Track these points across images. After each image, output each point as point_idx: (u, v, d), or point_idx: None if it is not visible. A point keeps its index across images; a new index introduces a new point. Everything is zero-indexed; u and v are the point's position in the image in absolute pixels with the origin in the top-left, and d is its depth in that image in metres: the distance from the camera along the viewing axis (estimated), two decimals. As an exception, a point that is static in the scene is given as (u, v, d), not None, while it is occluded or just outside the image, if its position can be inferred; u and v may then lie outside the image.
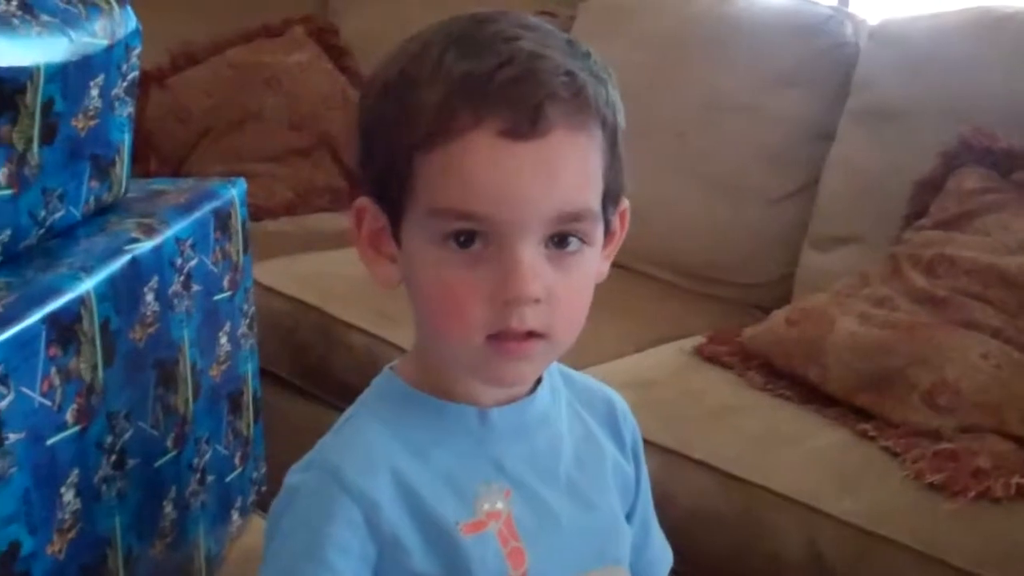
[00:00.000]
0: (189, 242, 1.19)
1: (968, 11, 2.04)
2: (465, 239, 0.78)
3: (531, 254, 0.78)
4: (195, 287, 1.20)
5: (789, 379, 1.71)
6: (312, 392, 2.13)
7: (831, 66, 2.16)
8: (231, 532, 1.36)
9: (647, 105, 2.17)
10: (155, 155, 2.67)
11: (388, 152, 0.81)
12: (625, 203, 0.88)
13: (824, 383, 1.66)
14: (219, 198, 1.27)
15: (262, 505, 1.46)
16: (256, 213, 2.47)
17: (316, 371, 2.11)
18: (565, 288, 0.80)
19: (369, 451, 0.83)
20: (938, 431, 1.52)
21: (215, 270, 1.25)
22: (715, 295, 2.20)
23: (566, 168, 0.78)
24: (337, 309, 2.08)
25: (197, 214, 1.21)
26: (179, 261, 1.17)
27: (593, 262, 0.83)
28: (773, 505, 1.48)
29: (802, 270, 2.15)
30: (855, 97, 2.12)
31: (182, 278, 1.18)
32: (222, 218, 1.26)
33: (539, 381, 0.89)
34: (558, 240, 0.80)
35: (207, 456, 1.25)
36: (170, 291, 1.16)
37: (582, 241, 0.81)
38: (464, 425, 0.86)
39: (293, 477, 0.84)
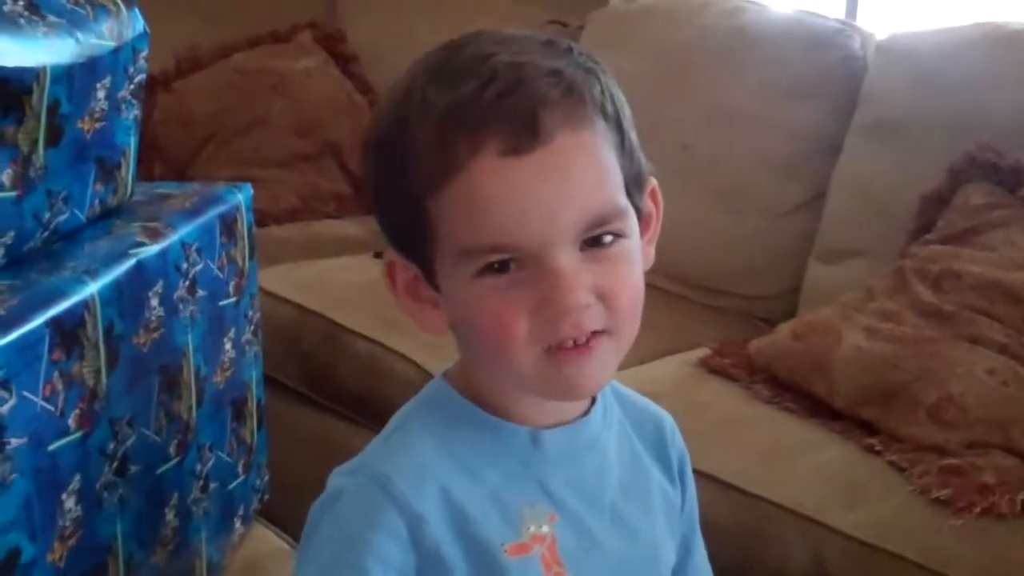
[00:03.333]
0: (195, 247, 1.18)
1: (977, 27, 2.03)
2: (500, 266, 0.76)
3: (568, 262, 0.76)
4: (200, 292, 1.19)
5: (795, 392, 1.69)
6: (316, 399, 2.12)
7: (839, 79, 2.15)
8: (233, 540, 1.35)
9: (654, 115, 2.09)
10: (160, 160, 2.67)
11: (400, 204, 0.79)
12: (653, 182, 0.85)
13: (830, 397, 1.64)
14: (226, 203, 1.26)
15: (265, 513, 1.45)
16: (261, 219, 2.46)
17: (320, 378, 2.10)
18: (613, 281, 0.77)
19: (420, 463, 0.81)
20: (943, 446, 1.50)
21: (221, 275, 1.24)
22: (720, 307, 2.19)
23: (578, 170, 0.76)
24: (342, 316, 2.07)
25: (203, 219, 1.20)
26: (184, 266, 1.16)
27: (635, 250, 0.80)
28: (779, 518, 1.46)
29: (808, 283, 2.14)
30: (863, 111, 2.11)
31: (187, 283, 1.17)
32: (228, 223, 1.26)
33: (592, 402, 0.87)
34: (592, 240, 0.77)
35: (210, 463, 1.24)
36: (175, 296, 1.15)
37: (617, 235, 0.78)
38: (516, 445, 0.84)
39: (337, 479, 0.82)
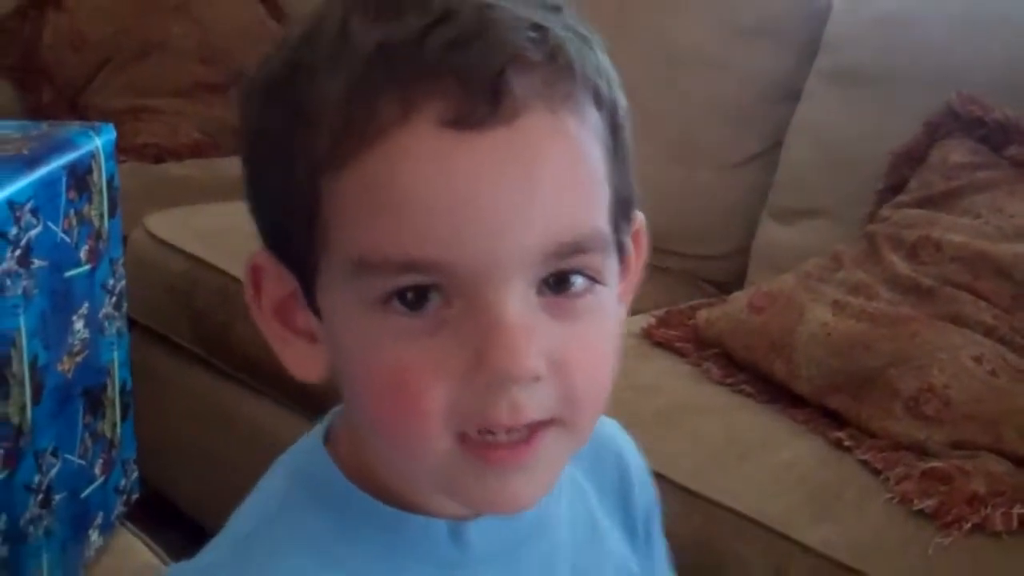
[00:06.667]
0: (29, 206, 0.94)
1: (959, -37, 1.87)
2: (415, 296, 0.53)
3: (518, 308, 0.52)
4: (37, 263, 0.96)
5: (751, 373, 1.54)
6: (212, 363, 1.93)
7: (800, 18, 2.01)
8: (88, 556, 1.14)
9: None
10: (48, 86, 2.56)
11: (285, 182, 0.55)
12: (640, 218, 0.62)
13: (791, 381, 1.48)
14: (76, 149, 1.03)
15: (133, 517, 1.23)
16: (158, 154, 2.35)
17: (216, 340, 1.92)
18: (578, 349, 0.54)
19: None
20: (924, 445, 1.35)
21: (67, 240, 1.02)
22: (663, 266, 2.03)
23: (553, 168, 0.53)
24: (240, 269, 1.84)
25: (42, 171, 0.97)
26: (14, 231, 0.93)
27: (612, 306, 0.57)
28: (736, 529, 1.30)
29: (759, 244, 2.00)
30: (826, 54, 1.96)
31: (18, 252, 0.94)
32: (79, 175, 1.02)
33: None
34: (555, 281, 0.54)
35: (53, 471, 1.01)
36: (0, 269, 0.91)
37: (592, 279, 0.55)
38: (431, 546, 0.60)
39: None
